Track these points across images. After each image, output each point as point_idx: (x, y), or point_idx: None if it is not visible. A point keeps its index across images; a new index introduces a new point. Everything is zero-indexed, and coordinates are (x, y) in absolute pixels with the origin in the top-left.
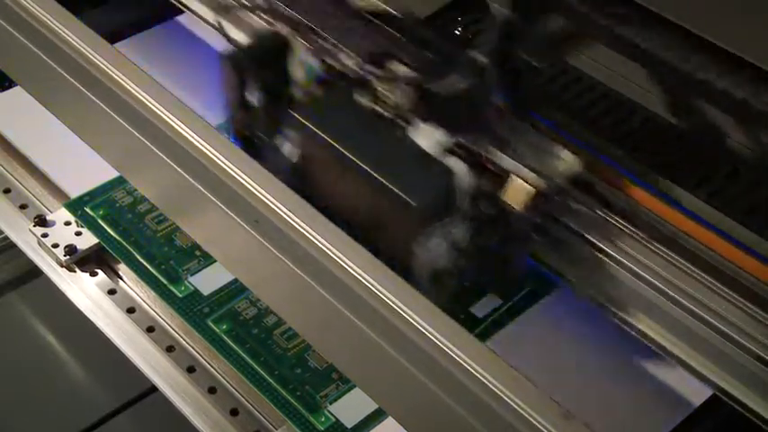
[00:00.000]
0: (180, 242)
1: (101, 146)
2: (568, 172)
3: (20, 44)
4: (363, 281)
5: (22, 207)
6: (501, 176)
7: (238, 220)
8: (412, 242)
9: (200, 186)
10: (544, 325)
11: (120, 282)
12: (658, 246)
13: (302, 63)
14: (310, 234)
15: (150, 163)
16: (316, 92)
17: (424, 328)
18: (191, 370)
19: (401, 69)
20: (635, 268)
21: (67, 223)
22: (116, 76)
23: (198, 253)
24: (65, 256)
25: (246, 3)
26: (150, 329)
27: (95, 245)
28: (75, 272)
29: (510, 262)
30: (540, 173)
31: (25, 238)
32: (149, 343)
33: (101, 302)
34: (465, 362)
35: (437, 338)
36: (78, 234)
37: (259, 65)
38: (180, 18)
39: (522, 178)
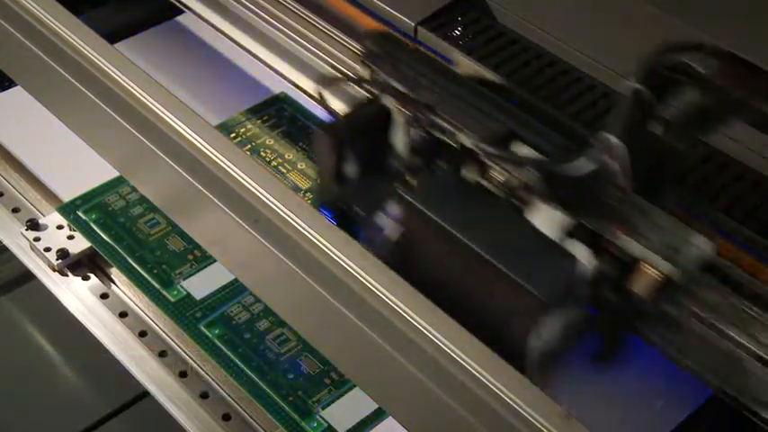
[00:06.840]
0: (172, 246)
1: (100, 146)
2: (700, 258)
3: (20, 44)
4: (364, 281)
5: (15, 211)
6: (625, 261)
7: (238, 219)
8: (526, 329)
9: (200, 186)
10: None
11: (113, 286)
12: None
13: (408, 137)
14: (310, 234)
15: (150, 163)
16: (421, 168)
17: (424, 327)
18: (183, 374)
19: (525, 150)
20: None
21: (60, 227)
22: (116, 76)
23: (190, 257)
24: (57, 259)
25: (351, 74)
26: (143, 334)
27: (88, 249)
28: (67, 276)
29: (617, 341)
30: (670, 258)
31: (17, 241)
32: (141, 347)
33: (93, 306)
34: (465, 362)
35: (437, 338)
36: (71, 238)
37: (360, 136)
38: (180, 18)
39: (650, 264)
